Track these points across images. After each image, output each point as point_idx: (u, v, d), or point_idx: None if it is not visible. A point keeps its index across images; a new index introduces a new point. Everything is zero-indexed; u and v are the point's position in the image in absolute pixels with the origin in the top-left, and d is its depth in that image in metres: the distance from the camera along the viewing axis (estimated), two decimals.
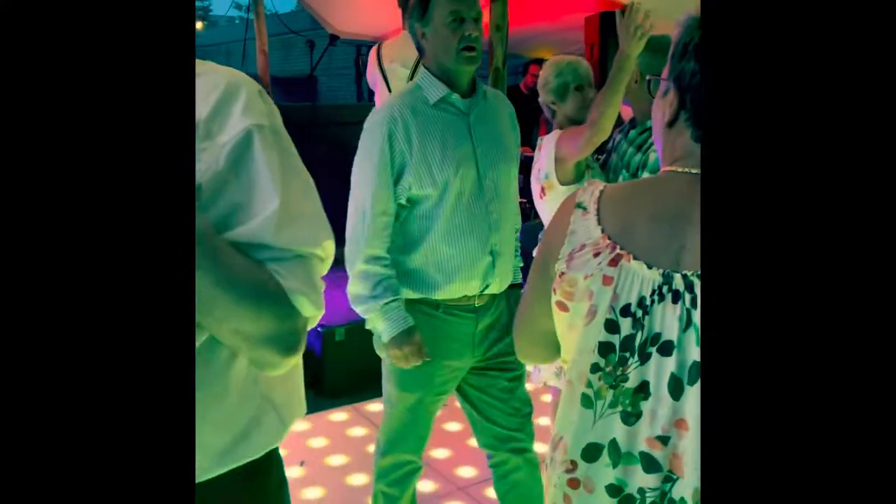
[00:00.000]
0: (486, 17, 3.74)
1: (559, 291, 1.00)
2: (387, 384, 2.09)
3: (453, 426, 3.21)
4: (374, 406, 3.39)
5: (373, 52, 4.20)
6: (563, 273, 0.99)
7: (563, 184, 2.29)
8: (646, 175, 2.16)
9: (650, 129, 2.05)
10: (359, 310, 1.96)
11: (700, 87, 0.94)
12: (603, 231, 0.98)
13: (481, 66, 4.18)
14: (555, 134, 2.34)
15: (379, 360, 3.71)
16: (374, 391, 3.49)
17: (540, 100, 2.41)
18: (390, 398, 2.07)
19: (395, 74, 4.08)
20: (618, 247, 0.96)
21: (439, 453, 2.98)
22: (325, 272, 0.98)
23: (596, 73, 5.40)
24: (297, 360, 0.98)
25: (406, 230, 1.90)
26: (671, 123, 0.99)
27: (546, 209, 2.38)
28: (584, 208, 1.02)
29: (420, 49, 1.92)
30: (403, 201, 1.87)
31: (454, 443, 3.07)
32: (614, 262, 0.95)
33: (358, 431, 3.19)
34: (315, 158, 4.89)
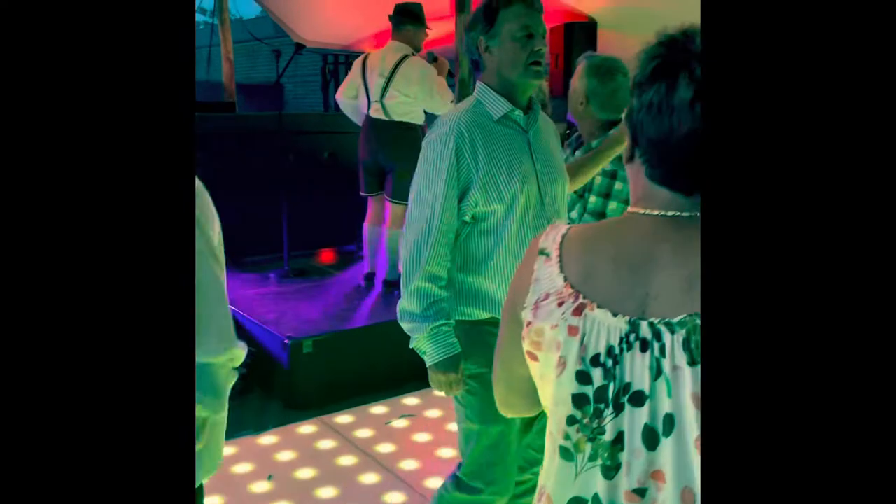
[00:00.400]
0: (451, 30, 3.78)
1: (527, 341, 0.97)
2: (465, 420, 1.94)
3: (422, 437, 3.22)
4: (343, 418, 3.38)
5: (357, 62, 4.21)
6: (529, 322, 0.96)
7: None
8: (611, 205, 2.19)
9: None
10: (406, 327, 1.88)
11: (643, 125, 0.91)
12: (566, 279, 0.95)
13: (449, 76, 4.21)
14: None
15: (348, 371, 3.72)
16: (343, 403, 3.49)
17: None
18: (470, 434, 1.93)
19: (374, 83, 4.11)
20: (581, 295, 0.92)
21: (408, 464, 2.99)
22: (232, 379, 0.99)
23: (560, 84, 5.46)
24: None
25: (468, 247, 1.86)
26: (629, 159, 0.97)
27: None
28: (547, 255, 0.99)
29: (479, 64, 1.89)
30: (468, 218, 1.83)
31: (423, 454, 3.08)
32: (578, 311, 0.92)
33: (326, 444, 3.17)
34: (282, 167, 4.88)
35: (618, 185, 2.18)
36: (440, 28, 5.12)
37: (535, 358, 0.97)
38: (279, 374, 3.61)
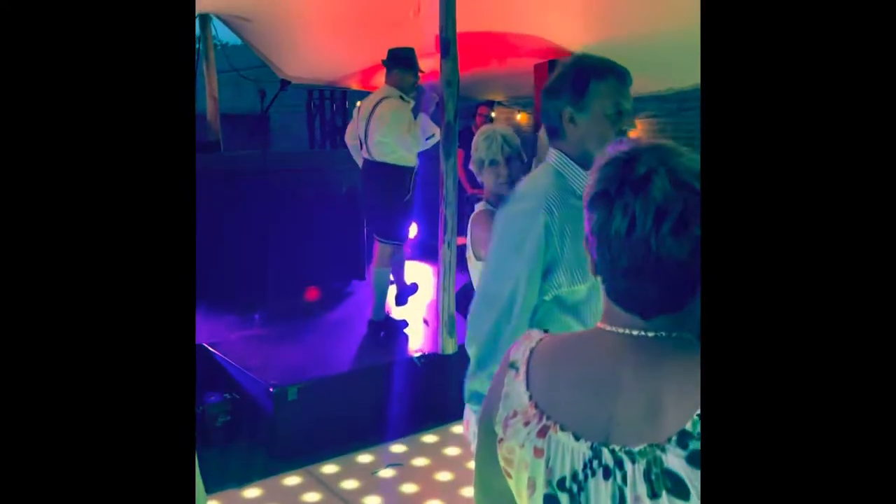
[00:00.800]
0: (436, 72, 3.79)
1: (501, 458, 0.94)
2: None
3: (409, 487, 3.17)
4: (329, 468, 3.33)
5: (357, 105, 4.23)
6: (501, 439, 0.93)
7: (478, 260, 2.31)
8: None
9: None
10: (475, 409, 1.72)
11: (594, 244, 0.89)
12: (531, 398, 0.91)
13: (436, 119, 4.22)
14: (477, 210, 2.37)
15: (334, 418, 3.67)
16: (329, 453, 3.44)
17: None
18: None
19: (361, 126, 4.16)
20: (545, 416, 0.89)
21: None
22: None
23: None
24: None
25: (546, 325, 1.68)
26: (593, 271, 0.92)
27: (471, 274, 2.40)
28: (516, 369, 0.95)
29: (558, 132, 1.72)
30: (549, 297, 1.69)
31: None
32: (542, 433, 0.89)
33: (312, 497, 3.11)
34: (267, 206, 4.84)
35: None
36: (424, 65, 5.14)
37: (509, 475, 0.94)
38: (264, 421, 3.56)
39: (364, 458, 3.43)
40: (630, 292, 0.87)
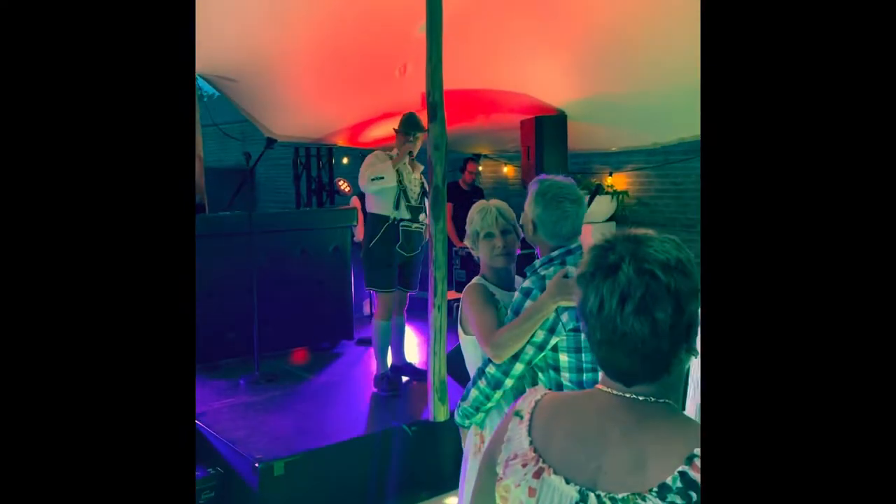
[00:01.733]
0: (424, 137, 3.77)
1: (498, 496, 1.04)
2: None
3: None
4: None
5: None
6: (500, 478, 1.04)
7: (466, 334, 2.25)
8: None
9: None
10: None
11: (579, 315, 1.01)
12: (531, 443, 1.03)
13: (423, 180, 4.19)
14: (471, 283, 2.30)
15: (324, 493, 3.54)
16: None
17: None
18: None
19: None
20: (541, 459, 1.00)
21: None
22: None
23: (531, 176, 5.51)
24: None
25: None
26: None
27: (461, 342, 2.34)
28: (521, 417, 1.06)
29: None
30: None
31: None
32: (537, 474, 0.99)
33: None
34: (253, 267, 4.75)
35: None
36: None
37: None
38: (249, 499, 3.41)
39: None
40: (607, 361, 1.00)
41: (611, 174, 6.86)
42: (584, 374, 1.95)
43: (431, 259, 3.81)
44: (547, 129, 5.62)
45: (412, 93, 5.25)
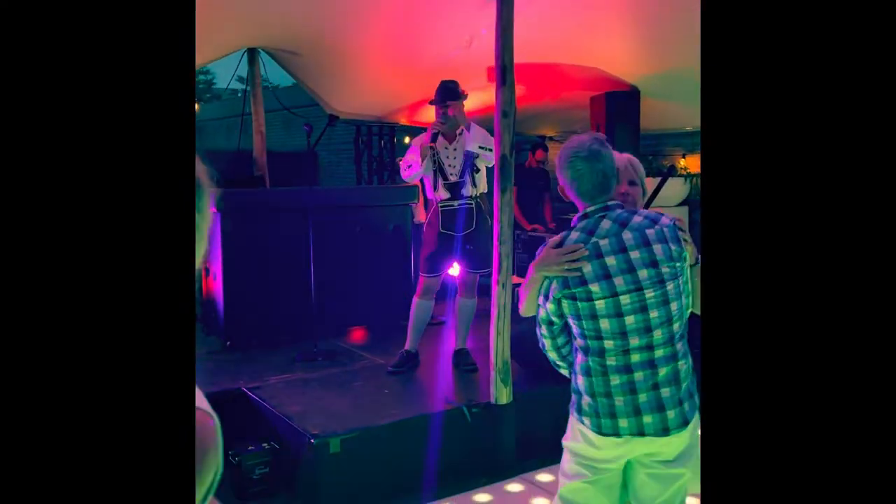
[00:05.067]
0: (492, 103, 3.58)
1: None
2: None
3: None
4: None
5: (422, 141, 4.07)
6: None
7: None
8: None
9: None
10: None
11: None
12: None
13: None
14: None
15: (380, 473, 3.41)
16: None
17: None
18: None
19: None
20: None
21: None
22: None
23: None
24: None
25: None
26: None
27: None
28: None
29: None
30: None
31: None
32: None
33: None
34: (312, 244, 4.67)
35: None
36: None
37: None
38: (304, 475, 3.31)
39: None
40: None
41: (684, 156, 6.54)
42: (588, 341, 1.94)
43: (496, 234, 3.63)
44: (618, 105, 5.36)
45: (477, 68, 5.08)
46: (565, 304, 1.94)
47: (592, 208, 1.98)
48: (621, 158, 2.24)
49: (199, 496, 0.75)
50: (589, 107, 5.69)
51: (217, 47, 5.20)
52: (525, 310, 2.06)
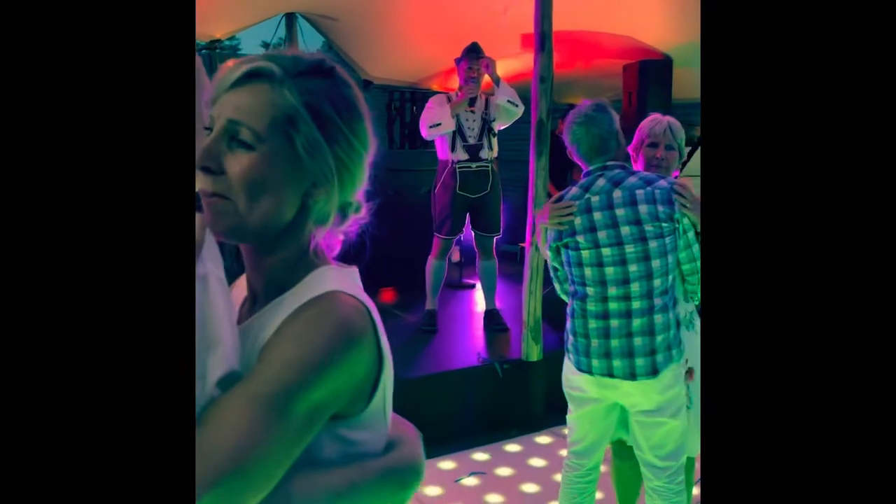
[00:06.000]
0: (529, 68, 3.66)
1: None
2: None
3: (494, 498, 3.03)
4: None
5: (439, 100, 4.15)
6: None
7: None
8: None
9: None
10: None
11: None
12: None
13: (523, 116, 4.08)
14: None
15: (420, 426, 3.55)
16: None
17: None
18: None
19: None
20: None
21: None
22: None
23: (632, 122, 5.32)
24: None
25: None
26: None
27: None
28: None
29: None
30: None
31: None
32: None
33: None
34: None
35: None
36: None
37: None
38: None
39: (446, 464, 3.30)
40: None
41: None
42: (576, 286, 2.15)
43: (531, 197, 3.73)
44: (651, 74, 5.38)
45: (511, 35, 5.12)
46: (561, 252, 2.16)
47: (592, 168, 2.15)
48: (661, 122, 2.34)
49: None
50: (621, 75, 5.71)
51: (256, 11, 5.29)
52: (543, 254, 2.30)
